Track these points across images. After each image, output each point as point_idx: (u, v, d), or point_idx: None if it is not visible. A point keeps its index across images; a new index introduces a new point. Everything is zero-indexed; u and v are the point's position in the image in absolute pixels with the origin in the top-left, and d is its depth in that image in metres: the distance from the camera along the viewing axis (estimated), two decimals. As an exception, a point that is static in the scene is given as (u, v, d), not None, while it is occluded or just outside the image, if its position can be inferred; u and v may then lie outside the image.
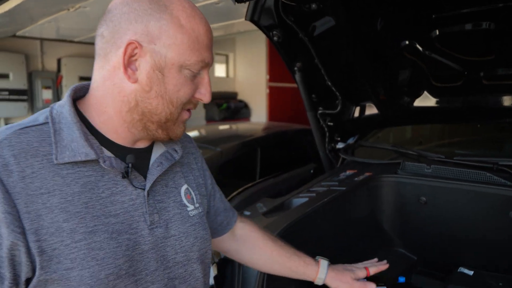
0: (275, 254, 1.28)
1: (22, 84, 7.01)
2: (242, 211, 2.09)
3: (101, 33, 0.88)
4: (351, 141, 2.71)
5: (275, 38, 2.12)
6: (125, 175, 0.90)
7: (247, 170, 3.78)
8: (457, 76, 2.04)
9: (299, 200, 1.98)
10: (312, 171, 3.02)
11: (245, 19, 2.04)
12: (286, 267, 1.29)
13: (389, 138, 2.91)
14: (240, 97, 9.89)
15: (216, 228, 1.24)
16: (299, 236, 1.72)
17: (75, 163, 0.85)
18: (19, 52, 7.02)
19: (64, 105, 0.89)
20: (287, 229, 1.66)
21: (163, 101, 0.89)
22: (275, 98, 9.19)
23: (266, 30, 2.09)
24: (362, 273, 1.33)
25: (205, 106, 9.17)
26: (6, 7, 3.99)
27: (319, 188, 2.09)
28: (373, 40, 2.08)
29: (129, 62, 0.86)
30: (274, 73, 9.04)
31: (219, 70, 10.25)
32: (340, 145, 2.65)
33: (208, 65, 0.93)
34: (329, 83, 2.33)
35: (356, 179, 2.15)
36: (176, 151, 1.03)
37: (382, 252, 2.10)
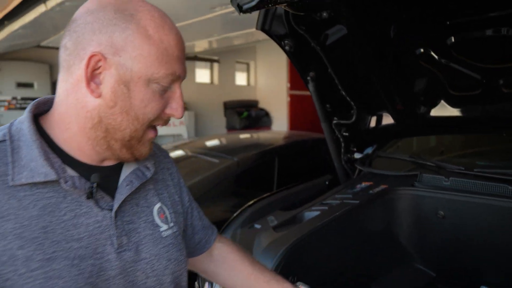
0: (252, 278, 1.19)
1: (46, 93, 7.11)
2: (252, 224, 2.05)
3: (65, 44, 0.82)
4: (369, 151, 2.64)
5: (287, 48, 2.08)
6: (90, 195, 0.83)
7: (264, 180, 3.72)
8: (475, 84, 1.96)
9: (311, 214, 1.93)
10: (327, 182, 2.95)
11: (256, 29, 2.01)
12: None
13: (409, 148, 2.82)
14: (261, 105, 9.90)
15: (194, 247, 1.17)
16: (310, 251, 1.68)
17: (34, 184, 0.78)
18: (44, 62, 7.21)
19: (24, 121, 0.83)
20: (297, 243, 1.62)
21: (128, 117, 0.83)
22: (296, 106, 9.16)
23: (277, 39, 2.05)
24: None
25: (226, 114, 9.20)
26: (26, 18, 4.09)
27: (333, 201, 2.04)
28: (386, 48, 2.02)
29: (92, 76, 0.80)
30: (295, 81, 9.01)
31: (240, 78, 10.30)
32: (357, 156, 2.59)
33: (179, 78, 0.86)
34: (343, 93, 2.27)
35: (371, 191, 2.09)
36: (148, 168, 0.96)
37: (398, 268, 2.03)
